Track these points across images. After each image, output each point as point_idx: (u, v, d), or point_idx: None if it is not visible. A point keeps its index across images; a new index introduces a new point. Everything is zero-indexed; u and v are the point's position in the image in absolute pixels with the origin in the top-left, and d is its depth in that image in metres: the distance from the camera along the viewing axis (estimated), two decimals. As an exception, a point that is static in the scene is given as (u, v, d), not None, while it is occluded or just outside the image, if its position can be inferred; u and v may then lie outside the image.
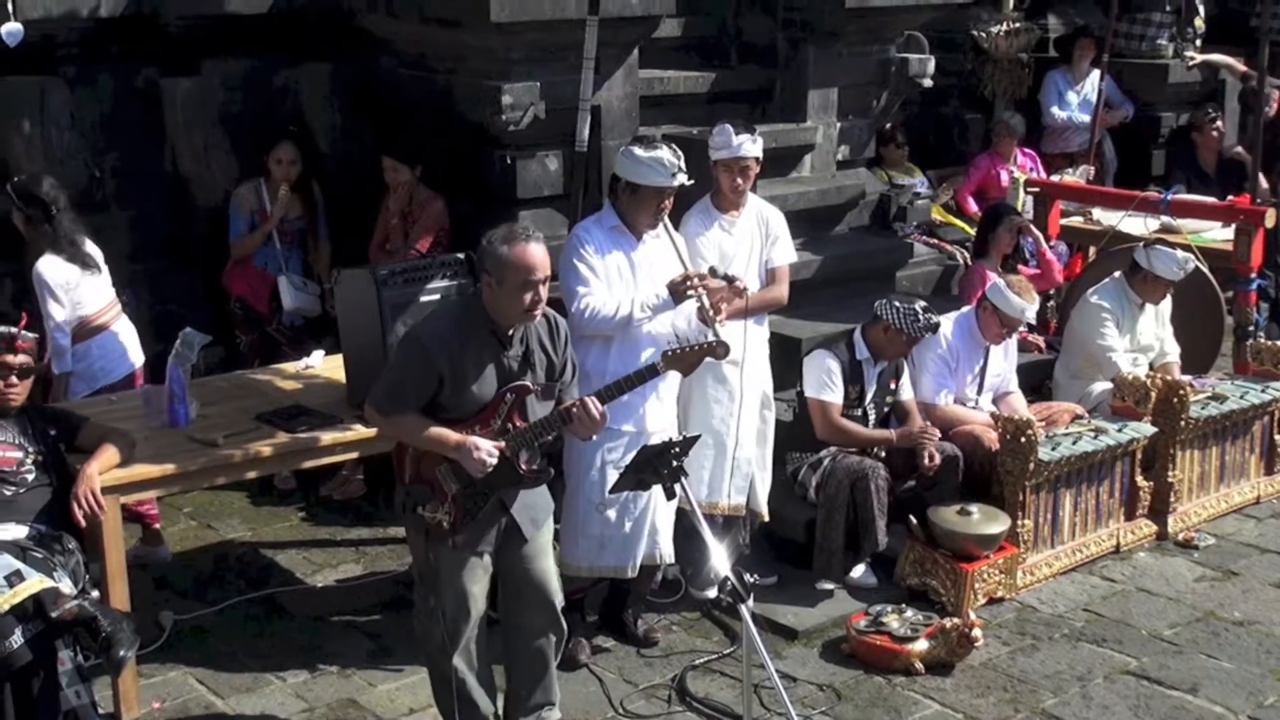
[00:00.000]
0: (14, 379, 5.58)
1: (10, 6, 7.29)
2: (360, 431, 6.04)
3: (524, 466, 5.10)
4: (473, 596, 5.16)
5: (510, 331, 5.03)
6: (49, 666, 5.06)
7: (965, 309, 7.50)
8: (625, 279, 6.00)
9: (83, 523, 5.41)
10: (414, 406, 4.99)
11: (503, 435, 5.04)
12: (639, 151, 5.97)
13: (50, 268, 6.71)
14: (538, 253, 4.93)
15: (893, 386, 6.93)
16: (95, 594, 5.42)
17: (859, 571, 6.76)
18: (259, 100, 8.25)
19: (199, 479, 5.94)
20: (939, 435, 6.88)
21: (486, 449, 4.97)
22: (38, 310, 6.64)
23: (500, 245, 4.93)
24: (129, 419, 6.09)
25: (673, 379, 6.05)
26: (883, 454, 6.83)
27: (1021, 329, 7.44)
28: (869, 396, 6.85)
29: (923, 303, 6.81)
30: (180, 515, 7.39)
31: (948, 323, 7.30)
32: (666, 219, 6.10)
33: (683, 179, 5.97)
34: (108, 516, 5.47)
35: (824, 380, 6.74)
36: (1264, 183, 9.52)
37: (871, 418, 6.90)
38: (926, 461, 6.75)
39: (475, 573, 5.16)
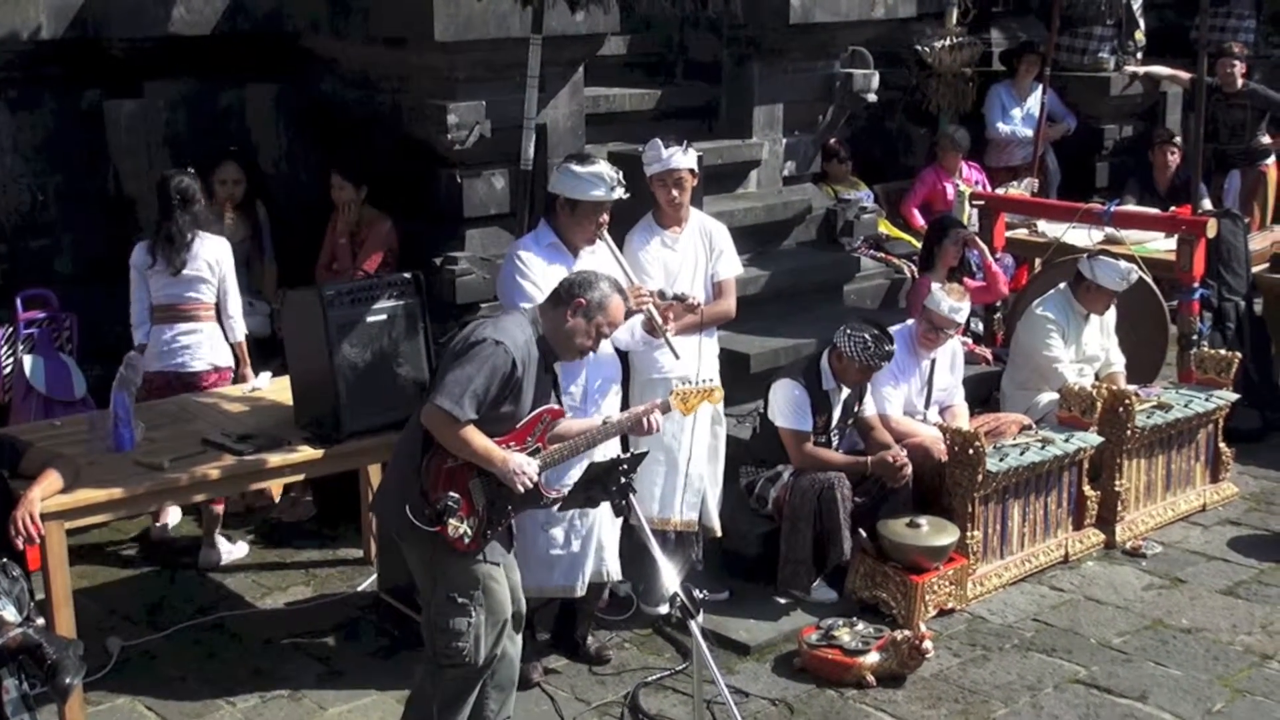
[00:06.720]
0: None
1: None
2: (308, 453, 6.01)
3: (546, 491, 5.20)
4: (506, 605, 5.19)
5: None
6: (-7, 695, 5.01)
7: (909, 321, 7.53)
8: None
9: (20, 547, 5.36)
10: (480, 414, 4.97)
11: (534, 456, 5.11)
12: (577, 168, 6.00)
13: None
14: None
15: (856, 409, 6.94)
16: (41, 621, 5.35)
17: (816, 585, 6.76)
18: (203, 121, 8.21)
19: (145, 503, 5.91)
20: (906, 458, 6.81)
21: (532, 470, 5.03)
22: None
23: (604, 285, 5.17)
24: (74, 444, 6.04)
25: (614, 400, 6.09)
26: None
27: (954, 332, 7.41)
28: (834, 422, 6.85)
29: (875, 331, 6.70)
30: (126, 540, 7.32)
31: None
32: (605, 233, 6.13)
33: (622, 191, 6.01)
34: (52, 541, 5.42)
35: (794, 410, 6.71)
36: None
37: (835, 440, 6.90)
38: (899, 479, 6.77)
39: (505, 582, 5.20)
